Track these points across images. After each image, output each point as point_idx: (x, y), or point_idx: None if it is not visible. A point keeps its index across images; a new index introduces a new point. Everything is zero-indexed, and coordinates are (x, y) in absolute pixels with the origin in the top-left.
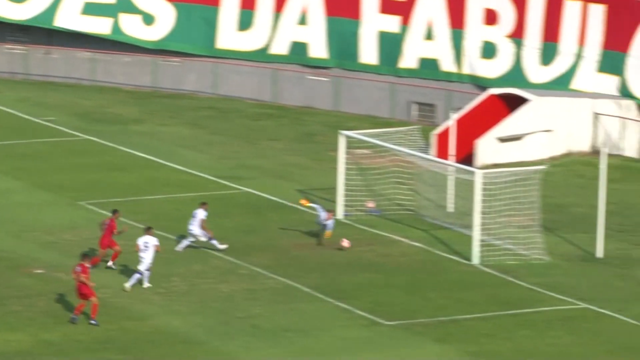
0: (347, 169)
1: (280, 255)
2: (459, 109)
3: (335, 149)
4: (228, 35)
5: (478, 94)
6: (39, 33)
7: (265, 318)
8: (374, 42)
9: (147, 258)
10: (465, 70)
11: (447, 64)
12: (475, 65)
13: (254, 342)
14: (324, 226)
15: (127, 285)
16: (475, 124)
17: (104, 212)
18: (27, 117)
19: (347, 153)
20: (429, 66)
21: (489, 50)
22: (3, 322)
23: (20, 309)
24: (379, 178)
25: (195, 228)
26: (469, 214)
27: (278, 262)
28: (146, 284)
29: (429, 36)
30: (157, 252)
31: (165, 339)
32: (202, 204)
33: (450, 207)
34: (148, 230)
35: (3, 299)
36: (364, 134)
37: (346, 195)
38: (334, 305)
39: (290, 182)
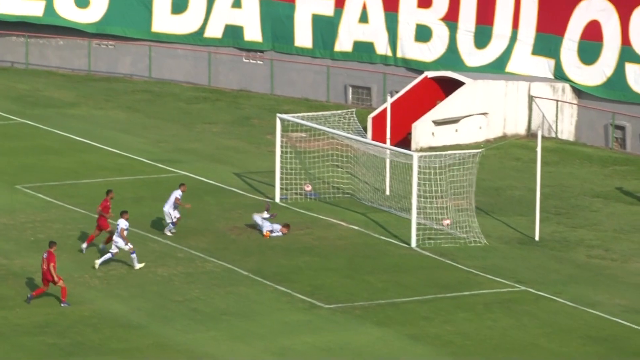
0: (284, 153)
1: (218, 238)
2: (395, 92)
3: (271, 132)
4: (163, 18)
5: (414, 77)
6: None
7: (204, 301)
8: (308, 26)
9: (119, 241)
10: (400, 53)
11: (382, 47)
12: (410, 48)
13: (193, 326)
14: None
15: (136, 265)
16: (411, 107)
17: (41, 195)
18: None
19: (284, 136)
20: (364, 49)
21: (423, 34)
22: None
23: None
24: (316, 161)
25: (167, 207)
26: (406, 197)
27: (216, 245)
28: (137, 265)
29: (363, 19)
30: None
31: (105, 322)
32: (180, 185)
33: (388, 190)
34: (122, 214)
35: None
36: (301, 117)
37: (283, 179)
38: (273, 289)
39: (227, 166)
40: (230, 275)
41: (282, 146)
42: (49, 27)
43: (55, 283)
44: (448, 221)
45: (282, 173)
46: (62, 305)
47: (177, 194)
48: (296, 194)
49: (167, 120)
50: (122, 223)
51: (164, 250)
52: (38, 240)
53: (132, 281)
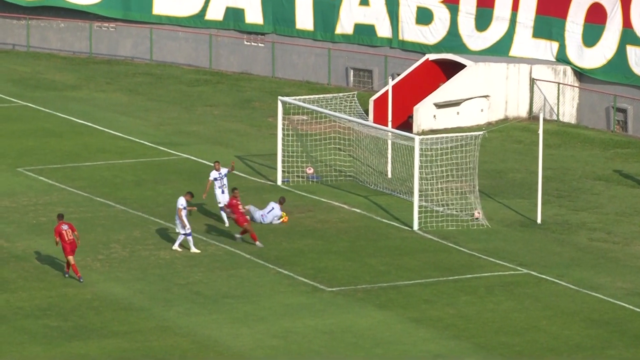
0: (286, 135)
1: (220, 221)
2: (396, 75)
3: (273, 115)
4: (164, 0)
5: (415, 60)
6: None
7: (206, 284)
8: (309, 8)
9: (178, 221)
10: (402, 36)
11: (383, 30)
12: (411, 31)
13: (195, 309)
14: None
15: (192, 249)
16: (413, 90)
17: (42, 178)
18: None
19: (285, 119)
20: (365, 32)
21: (424, 16)
22: None
23: None
24: (318, 144)
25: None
26: (408, 179)
27: (218, 228)
28: (193, 249)
29: (364, 2)
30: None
31: (107, 305)
32: (215, 162)
33: (390, 173)
34: (186, 195)
35: None
36: (302, 100)
37: (285, 162)
38: (275, 272)
39: (229, 148)
40: (232, 258)
41: (283, 129)
42: (50, 9)
43: (72, 253)
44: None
45: (283, 156)
46: (81, 280)
47: (214, 174)
48: (298, 176)
49: (168, 102)
50: (178, 203)
51: (166, 234)
52: (40, 223)
53: (134, 264)
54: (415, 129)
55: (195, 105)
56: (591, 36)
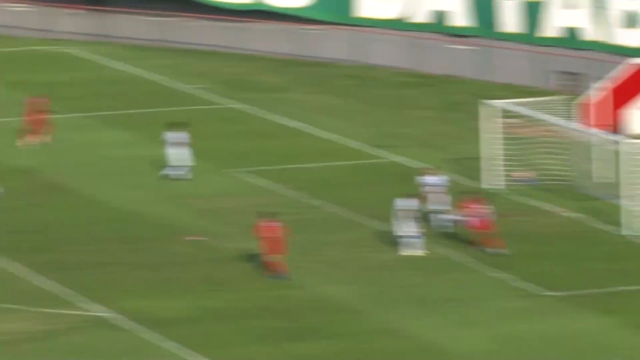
0: (500, 138)
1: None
2: (604, 78)
3: (480, 118)
4: (368, 3)
5: (623, 64)
6: (178, 1)
7: (425, 288)
8: (515, 10)
9: (401, 223)
10: (609, 39)
11: (590, 33)
12: (618, 34)
13: (413, 312)
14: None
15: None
16: (622, 94)
17: (257, 179)
18: (173, 84)
19: (495, 122)
20: (571, 35)
21: (631, 20)
22: (163, 289)
23: (179, 276)
24: (529, 148)
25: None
26: (623, 184)
27: (430, 231)
28: (415, 251)
29: (570, 5)
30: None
31: (326, 307)
32: (424, 169)
33: (605, 177)
34: (408, 197)
35: (162, 266)
36: (512, 104)
37: (499, 165)
38: (492, 276)
39: (438, 151)
40: (449, 261)
41: (494, 132)
42: (255, 13)
43: (277, 252)
44: None
45: (495, 159)
46: (283, 277)
47: (432, 180)
48: (511, 181)
49: (375, 105)
50: (411, 204)
51: (383, 236)
52: (257, 223)
53: (352, 266)
54: (627, 132)
55: (402, 108)
56: None
